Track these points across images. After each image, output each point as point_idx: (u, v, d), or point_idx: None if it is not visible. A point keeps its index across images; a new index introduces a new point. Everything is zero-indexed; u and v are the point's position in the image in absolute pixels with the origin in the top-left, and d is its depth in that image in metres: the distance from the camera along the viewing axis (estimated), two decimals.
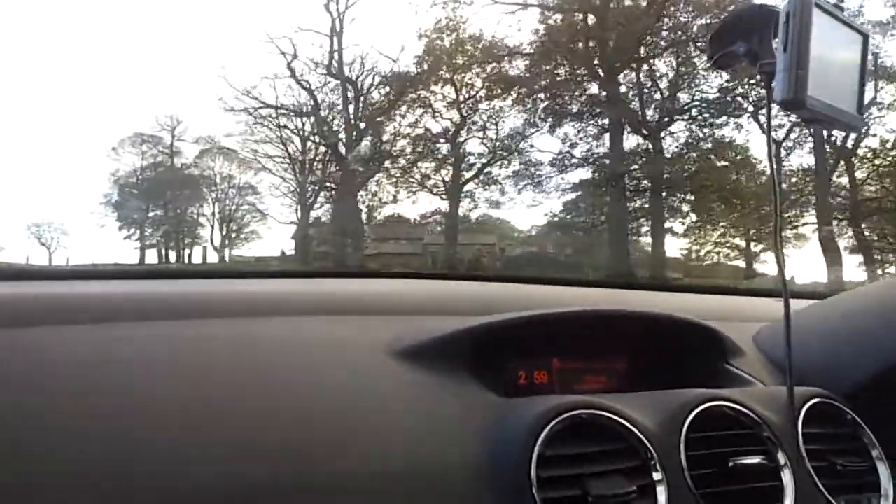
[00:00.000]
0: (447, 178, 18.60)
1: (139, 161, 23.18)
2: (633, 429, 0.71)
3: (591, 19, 16.70)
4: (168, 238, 23.55)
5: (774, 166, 0.77)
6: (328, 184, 20.01)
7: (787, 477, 0.75)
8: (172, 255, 23.27)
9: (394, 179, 19.10)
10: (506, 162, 18.06)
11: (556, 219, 18.33)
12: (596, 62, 16.66)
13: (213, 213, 23.66)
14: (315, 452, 0.65)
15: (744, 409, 0.78)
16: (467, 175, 18.42)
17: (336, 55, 18.55)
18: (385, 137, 19.04)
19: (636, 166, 16.51)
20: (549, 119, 17.29)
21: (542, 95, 17.24)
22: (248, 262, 21.73)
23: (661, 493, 0.68)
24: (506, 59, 17.36)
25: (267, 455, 0.63)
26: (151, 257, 23.33)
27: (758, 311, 1.19)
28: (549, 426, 0.69)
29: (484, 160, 18.26)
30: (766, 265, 16.63)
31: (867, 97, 0.77)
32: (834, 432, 0.83)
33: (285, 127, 20.07)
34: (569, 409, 0.71)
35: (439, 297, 1.12)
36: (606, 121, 16.79)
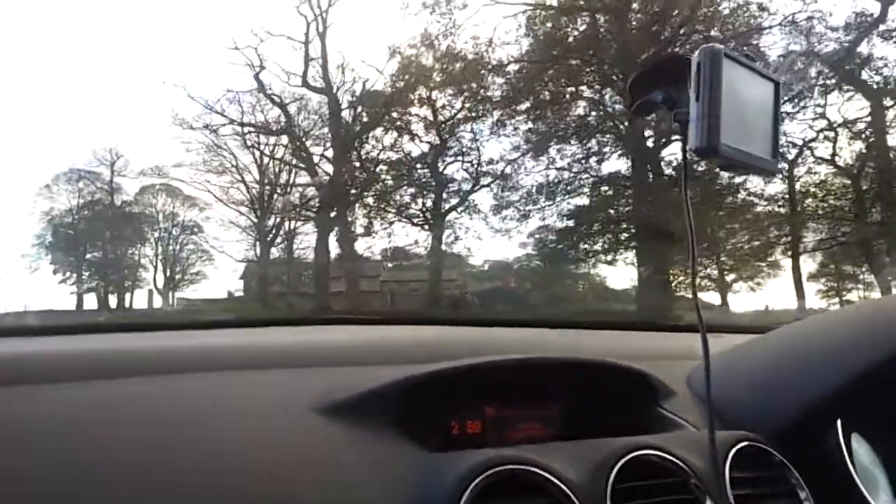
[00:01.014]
0: (426, 208, 18.69)
1: (75, 199, 23.13)
2: (559, 483, 0.79)
3: (602, 22, 16.59)
4: (107, 282, 23.44)
5: (688, 207, 0.86)
6: (295, 215, 20.07)
7: None
8: (113, 300, 23.11)
9: (367, 209, 19.03)
10: (490, 188, 18.18)
11: (544, 250, 18.37)
12: (611, 71, 16.40)
13: (157, 254, 23.70)
14: None
15: (670, 457, 0.87)
16: (449, 203, 18.49)
17: (316, 64, 18.52)
18: (361, 162, 19.05)
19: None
20: (536, 139, 17.40)
21: (530, 114, 17.32)
22: (194, 306, 21.85)
23: None
24: (490, 74, 17.39)
25: None
26: (90, 302, 23.09)
27: (693, 348, 1.29)
28: (472, 484, 0.76)
29: (467, 186, 18.36)
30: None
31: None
32: (762, 475, 0.92)
33: (252, 147, 20.06)
34: (494, 465, 0.78)
35: (375, 344, 1.21)
36: (597, 142, 16.99)
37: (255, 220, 20.74)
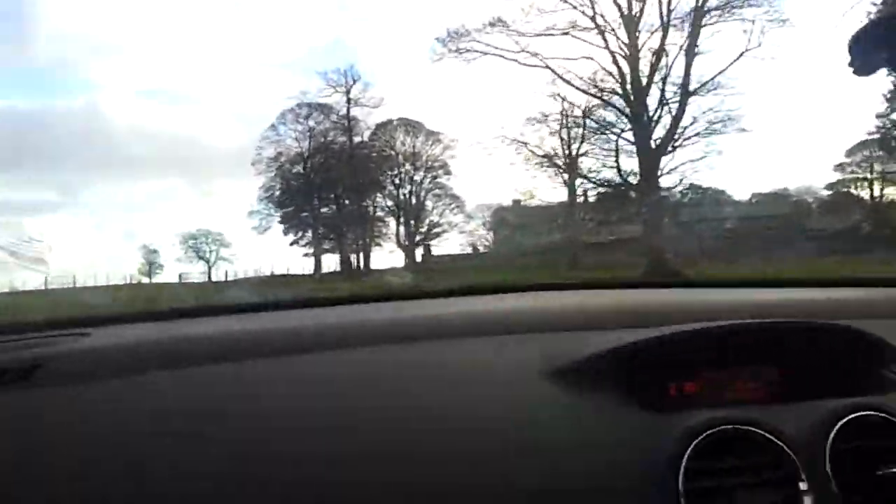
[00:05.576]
0: None
1: (305, 141, 23.06)
2: (779, 441, 0.95)
3: None
4: (344, 240, 23.56)
5: None
6: None
7: None
8: (354, 260, 23.39)
9: None
10: None
11: None
12: None
13: (397, 205, 23.51)
14: (467, 477, 0.93)
15: (892, 418, 0.99)
16: None
17: None
18: None
19: None
20: None
21: None
22: (441, 263, 22.10)
23: (808, 502, 0.91)
24: None
25: (422, 478, 0.93)
26: (330, 264, 23.66)
27: None
28: (695, 441, 0.94)
29: None
30: None
31: None
32: None
33: None
34: (715, 425, 0.96)
35: (584, 309, 1.43)
36: None
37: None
